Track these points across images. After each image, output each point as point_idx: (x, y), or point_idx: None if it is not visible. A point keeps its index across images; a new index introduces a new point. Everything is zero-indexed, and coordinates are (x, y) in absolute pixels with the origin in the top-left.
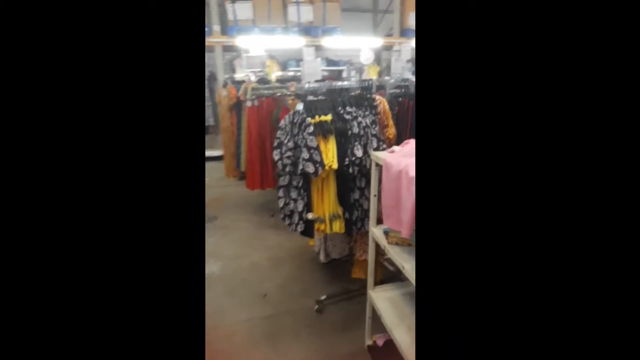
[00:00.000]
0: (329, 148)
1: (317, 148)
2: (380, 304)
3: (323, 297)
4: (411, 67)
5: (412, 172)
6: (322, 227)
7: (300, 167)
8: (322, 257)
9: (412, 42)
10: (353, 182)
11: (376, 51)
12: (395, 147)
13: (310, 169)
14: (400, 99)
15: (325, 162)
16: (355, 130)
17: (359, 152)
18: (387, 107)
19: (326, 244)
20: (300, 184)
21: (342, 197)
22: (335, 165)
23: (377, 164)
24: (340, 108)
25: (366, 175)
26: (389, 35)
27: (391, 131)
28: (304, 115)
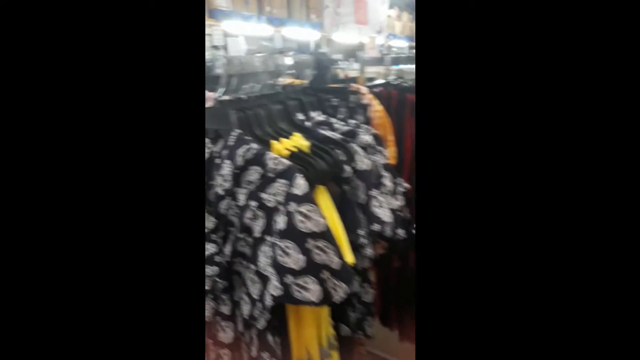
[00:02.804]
0: (325, 215)
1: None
2: None
3: None
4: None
5: None
6: None
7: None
8: None
9: (223, 25)
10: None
11: None
12: None
13: (314, 288)
14: (379, 89)
15: None
16: (358, 163)
17: (384, 214)
18: (381, 108)
19: None
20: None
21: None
22: (351, 258)
23: None
24: (301, 115)
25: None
26: None
27: (392, 150)
28: (252, 145)
